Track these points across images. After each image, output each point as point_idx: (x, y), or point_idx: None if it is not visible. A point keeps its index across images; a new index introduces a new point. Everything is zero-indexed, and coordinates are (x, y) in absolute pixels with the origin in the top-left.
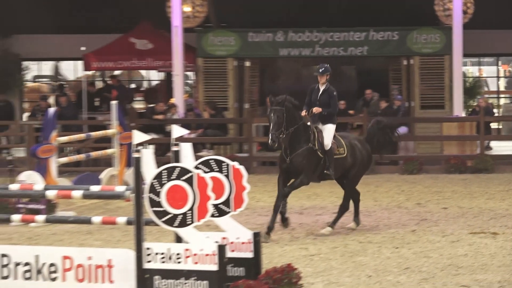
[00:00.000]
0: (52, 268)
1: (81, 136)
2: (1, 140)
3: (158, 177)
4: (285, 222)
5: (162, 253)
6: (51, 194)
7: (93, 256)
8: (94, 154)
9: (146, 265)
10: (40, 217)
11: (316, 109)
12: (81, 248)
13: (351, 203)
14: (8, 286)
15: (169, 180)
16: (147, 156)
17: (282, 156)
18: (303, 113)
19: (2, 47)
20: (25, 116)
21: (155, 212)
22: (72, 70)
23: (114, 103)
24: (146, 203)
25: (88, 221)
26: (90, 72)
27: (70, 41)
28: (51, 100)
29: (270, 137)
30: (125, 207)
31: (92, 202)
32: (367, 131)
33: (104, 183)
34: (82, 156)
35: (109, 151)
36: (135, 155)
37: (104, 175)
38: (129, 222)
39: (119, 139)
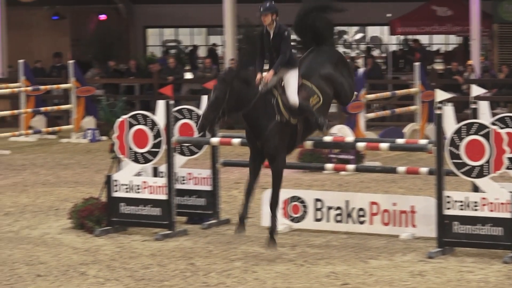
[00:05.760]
0: (361, 213)
1: (387, 94)
2: None
3: (458, 132)
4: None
5: (461, 201)
6: (361, 145)
7: (398, 202)
8: (398, 110)
9: (446, 212)
10: (350, 166)
11: (268, 76)
12: (387, 195)
13: None
14: (321, 228)
15: (468, 134)
16: (448, 113)
17: (250, 136)
18: (258, 78)
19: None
20: None
21: (455, 164)
22: (378, 34)
23: (416, 64)
24: (447, 155)
25: (393, 171)
26: (395, 36)
27: (377, 8)
28: (360, 61)
29: (200, 121)
30: (426, 159)
31: (396, 153)
32: None
33: (407, 137)
34: (387, 112)
35: (412, 107)
36: (437, 111)
37: (407, 129)
38: (430, 172)
39: (421, 97)
